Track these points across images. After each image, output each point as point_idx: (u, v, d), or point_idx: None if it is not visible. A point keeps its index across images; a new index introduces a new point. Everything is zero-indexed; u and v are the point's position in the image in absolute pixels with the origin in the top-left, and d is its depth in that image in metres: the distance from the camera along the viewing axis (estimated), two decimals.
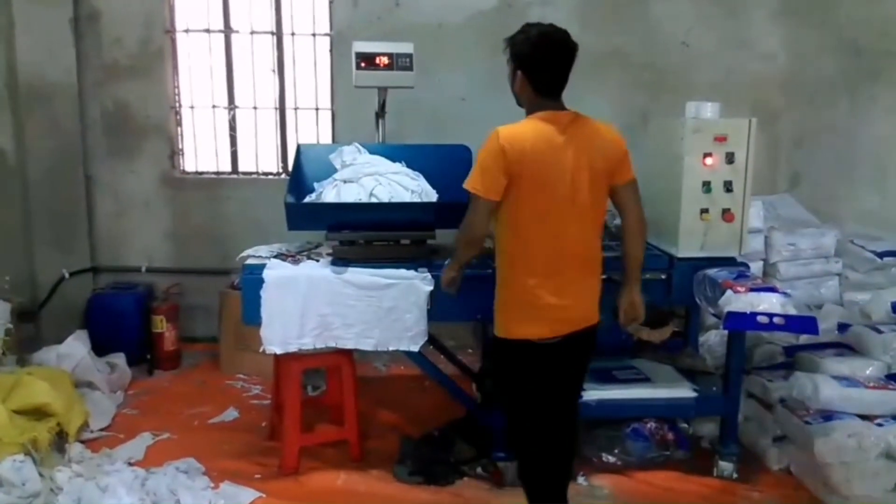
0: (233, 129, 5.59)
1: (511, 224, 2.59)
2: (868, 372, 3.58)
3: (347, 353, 3.68)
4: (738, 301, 3.05)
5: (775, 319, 2.96)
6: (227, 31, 5.47)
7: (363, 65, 3.84)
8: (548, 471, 2.78)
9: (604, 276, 2.78)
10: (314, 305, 3.42)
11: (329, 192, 3.67)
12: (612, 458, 3.65)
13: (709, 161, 3.42)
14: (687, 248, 3.47)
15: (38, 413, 3.68)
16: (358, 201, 3.57)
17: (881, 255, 4.52)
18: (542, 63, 2.57)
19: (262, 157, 5.62)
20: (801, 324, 3.06)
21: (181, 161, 5.60)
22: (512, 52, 2.63)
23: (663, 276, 3.49)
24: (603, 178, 2.60)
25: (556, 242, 2.57)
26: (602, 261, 2.76)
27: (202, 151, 5.62)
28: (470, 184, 2.56)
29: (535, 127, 2.54)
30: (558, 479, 2.81)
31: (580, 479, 3.52)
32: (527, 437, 2.78)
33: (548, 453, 2.76)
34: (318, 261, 3.58)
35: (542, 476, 2.79)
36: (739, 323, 3.05)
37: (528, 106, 2.65)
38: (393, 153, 3.91)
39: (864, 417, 3.38)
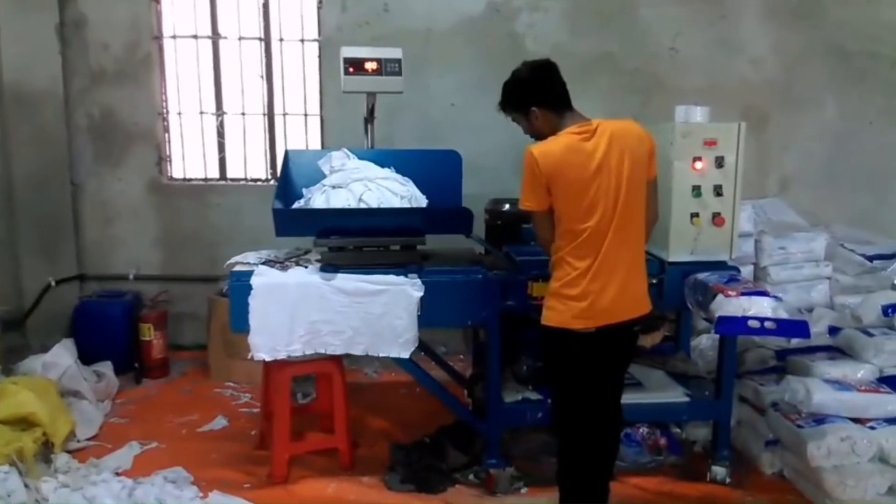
0: (221, 135, 5.56)
1: (557, 225, 2.74)
2: (859, 375, 3.59)
3: (337, 360, 3.65)
4: (729, 305, 3.03)
5: (766, 323, 2.95)
6: (215, 36, 5.45)
7: (351, 70, 3.84)
8: (588, 470, 2.85)
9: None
10: (303, 312, 3.39)
11: (318, 198, 3.64)
12: None
13: (698, 165, 3.41)
14: (678, 253, 3.46)
15: (23, 423, 3.64)
16: (347, 207, 3.55)
17: (871, 258, 4.53)
18: (542, 86, 2.76)
19: (250, 163, 5.59)
20: (793, 327, 3.05)
21: (169, 168, 5.57)
22: (517, 101, 2.82)
23: (654, 281, 3.47)
24: (641, 174, 2.71)
25: (594, 242, 2.66)
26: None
27: (190, 158, 5.59)
28: (523, 203, 2.78)
29: (564, 139, 2.69)
30: (596, 479, 2.87)
31: None
32: (566, 430, 2.88)
33: (586, 449, 2.83)
34: (306, 267, 3.54)
35: (580, 475, 2.86)
36: (731, 327, 3.03)
37: (555, 130, 2.75)
38: (382, 158, 3.90)
39: (856, 420, 3.38)
